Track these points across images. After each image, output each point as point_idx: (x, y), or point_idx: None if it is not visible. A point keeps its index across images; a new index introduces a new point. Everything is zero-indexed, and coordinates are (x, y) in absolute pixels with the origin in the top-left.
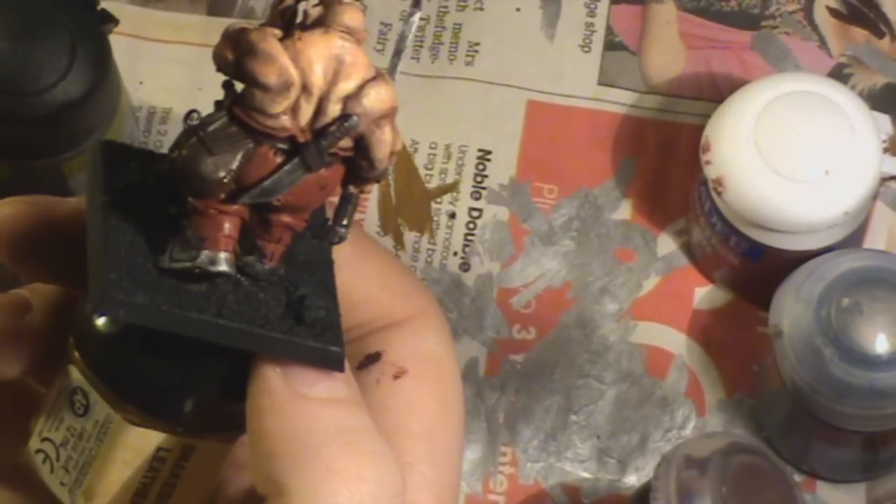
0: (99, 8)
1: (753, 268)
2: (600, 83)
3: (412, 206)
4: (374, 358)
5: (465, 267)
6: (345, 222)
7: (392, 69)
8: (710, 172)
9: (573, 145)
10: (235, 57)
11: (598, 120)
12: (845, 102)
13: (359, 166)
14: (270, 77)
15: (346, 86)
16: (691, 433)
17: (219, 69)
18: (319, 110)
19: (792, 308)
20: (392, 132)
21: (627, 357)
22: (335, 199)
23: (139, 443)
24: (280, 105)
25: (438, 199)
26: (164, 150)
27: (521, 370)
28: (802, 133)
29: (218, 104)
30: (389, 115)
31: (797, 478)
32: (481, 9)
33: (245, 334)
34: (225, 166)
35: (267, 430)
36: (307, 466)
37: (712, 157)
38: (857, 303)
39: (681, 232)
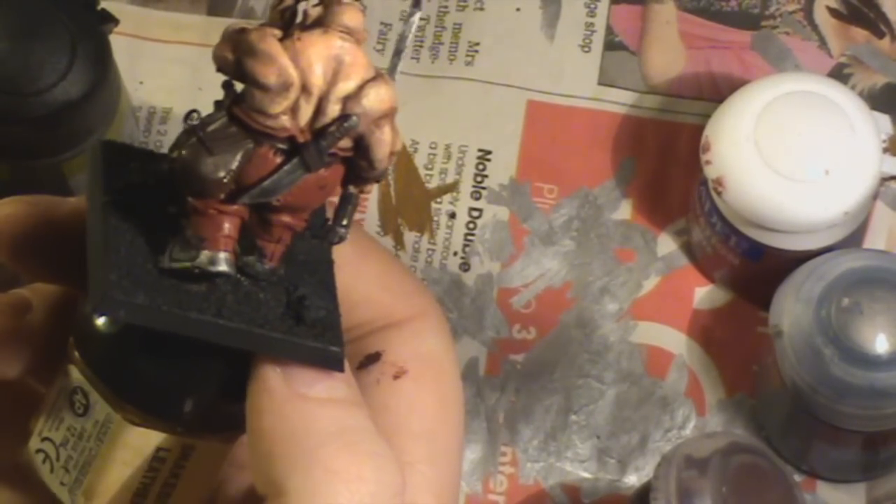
0: (99, 8)
1: (753, 268)
2: (600, 83)
3: (412, 206)
4: (374, 358)
5: (465, 267)
6: (345, 222)
7: (392, 69)
8: (710, 172)
9: (573, 145)
10: (235, 57)
11: (598, 120)
12: (845, 102)
13: (358, 166)
14: (270, 77)
15: (346, 86)
16: (691, 433)
17: (219, 69)
18: (319, 110)
19: (792, 308)
20: (392, 132)
21: (627, 357)
22: (335, 200)
23: (139, 443)
24: (280, 105)
25: (438, 199)
26: (165, 150)
27: (521, 370)
28: (802, 133)
29: (218, 104)
30: (389, 115)
31: (797, 478)
32: (481, 9)
33: (245, 334)
34: (225, 166)
35: (266, 430)
36: (306, 467)
37: (712, 157)
38: (857, 303)
39: (681, 232)
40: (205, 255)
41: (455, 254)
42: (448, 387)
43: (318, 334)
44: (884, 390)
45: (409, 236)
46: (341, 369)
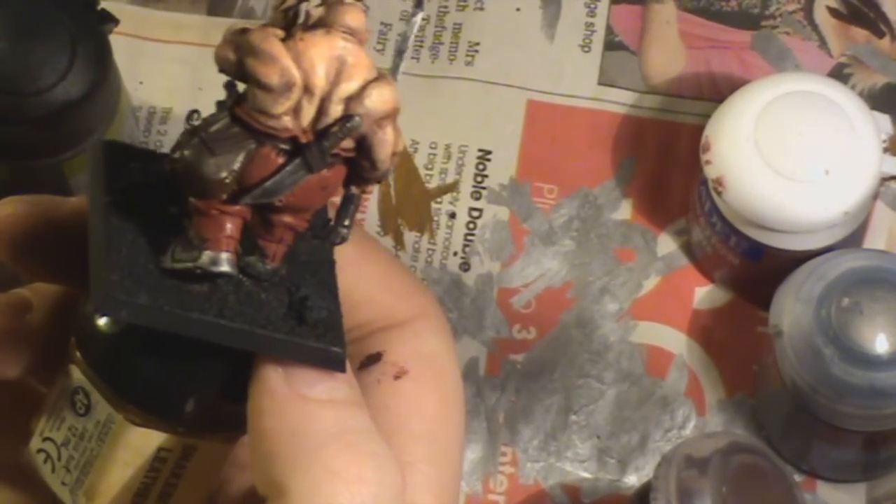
0: (99, 8)
1: (753, 268)
2: (600, 83)
3: (412, 206)
4: (374, 358)
5: (466, 267)
6: (347, 223)
7: (394, 69)
8: (710, 172)
9: (573, 145)
10: (237, 57)
11: (598, 120)
12: (845, 102)
13: (361, 167)
14: (272, 78)
15: (349, 86)
16: (691, 433)
17: (221, 70)
18: (321, 111)
19: (792, 308)
20: (394, 133)
21: (627, 357)
22: (336, 200)
23: (140, 443)
24: (282, 106)
25: (438, 199)
26: (165, 149)
27: (521, 370)
28: (802, 133)
29: (220, 105)
30: (391, 115)
31: (797, 477)
32: (481, 9)
33: (247, 335)
34: (227, 167)
35: (267, 430)
36: (307, 467)
37: (712, 157)
38: (857, 303)
39: (681, 232)
40: (207, 255)
41: (455, 254)
42: (449, 387)
43: (319, 335)
44: (884, 390)
45: (409, 236)
46: (343, 370)
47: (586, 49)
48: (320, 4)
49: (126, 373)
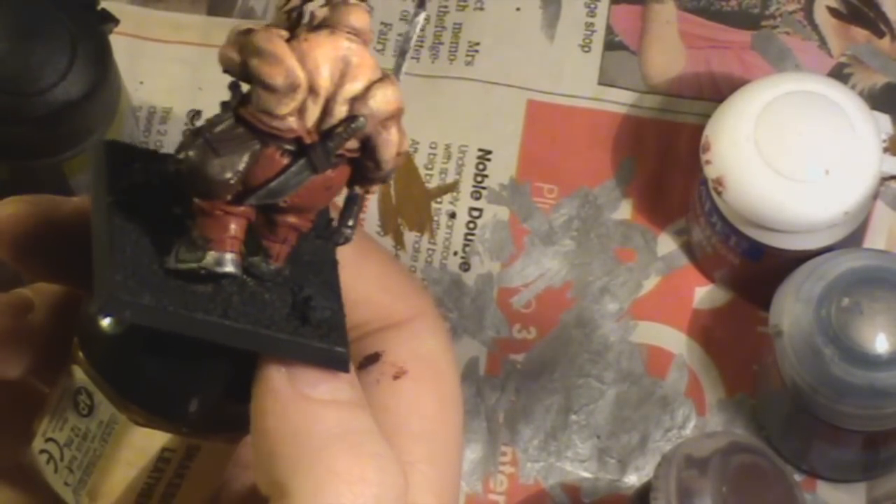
0: (99, 8)
1: (753, 267)
2: (600, 83)
3: (412, 206)
4: (373, 358)
5: (466, 267)
6: (350, 223)
7: (397, 70)
8: (710, 172)
9: (573, 145)
10: (242, 58)
11: (598, 120)
12: (845, 102)
13: (365, 167)
14: (277, 78)
15: (353, 87)
16: (691, 433)
17: (225, 70)
18: (326, 111)
19: (792, 308)
20: (398, 133)
21: (627, 357)
22: (338, 200)
23: (144, 443)
24: (287, 106)
25: (438, 199)
26: (165, 149)
27: (521, 370)
28: (802, 133)
29: (224, 105)
30: (396, 116)
31: (797, 477)
32: (481, 9)
33: (251, 335)
34: (231, 168)
35: (270, 430)
36: (309, 468)
37: (712, 157)
38: (857, 302)
39: (681, 232)
40: (211, 256)
41: (455, 254)
42: (447, 387)
43: (323, 335)
44: (884, 390)
45: (409, 236)
46: (347, 370)
47: (586, 49)
48: (324, 5)
49: (129, 373)
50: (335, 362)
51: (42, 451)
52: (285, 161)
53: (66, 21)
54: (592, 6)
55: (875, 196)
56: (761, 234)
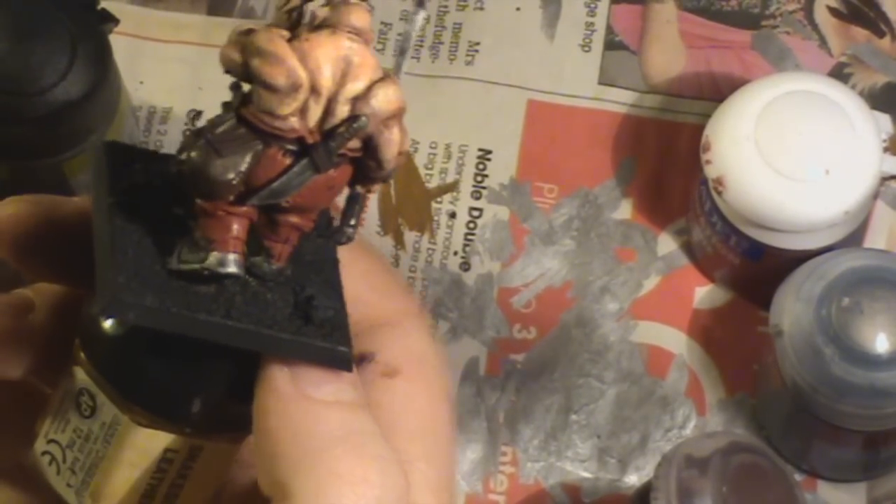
0: (99, 8)
1: (754, 267)
2: (600, 83)
3: (412, 206)
4: (366, 358)
5: (466, 266)
6: (352, 222)
7: (397, 69)
8: (711, 172)
9: (573, 145)
10: (243, 58)
11: (598, 119)
12: (846, 102)
13: (367, 166)
14: (279, 78)
15: (355, 86)
16: (692, 433)
17: (226, 71)
18: (328, 111)
19: (792, 307)
20: (400, 132)
21: (628, 356)
22: (338, 199)
23: (146, 444)
24: (289, 106)
25: (438, 199)
26: (165, 149)
27: (521, 370)
28: (803, 132)
29: (226, 106)
30: (397, 115)
31: (798, 477)
32: (481, 8)
33: (254, 335)
34: (234, 168)
35: (272, 430)
36: (311, 469)
37: (712, 157)
38: (858, 302)
39: (681, 231)
40: (213, 256)
41: (455, 253)
42: (439, 385)
43: (326, 334)
44: (884, 390)
45: (410, 236)
46: (350, 369)
47: (586, 49)
48: (325, 4)
49: (132, 374)
50: (338, 362)
51: (44, 453)
52: (287, 161)
53: (66, 21)
54: (592, 6)
55: (875, 196)
56: (761, 234)
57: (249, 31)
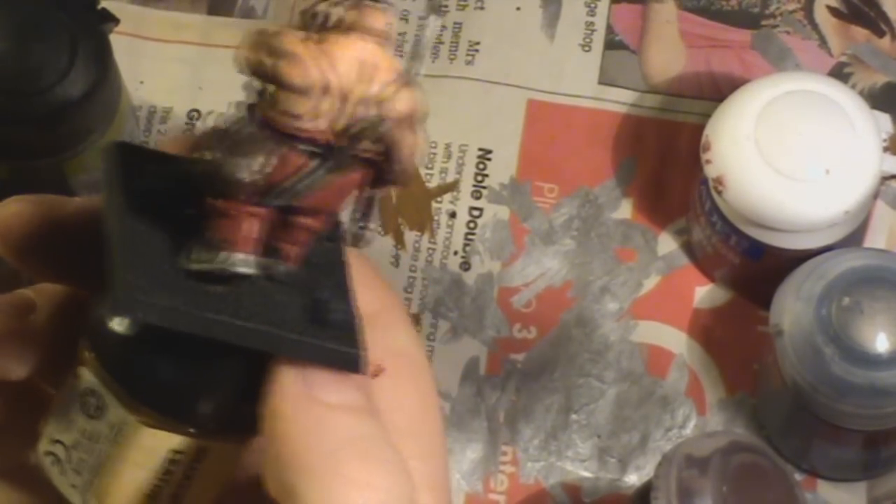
0: (99, 7)
1: (754, 267)
2: (601, 82)
3: (412, 206)
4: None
5: (466, 266)
6: (367, 225)
7: (412, 73)
8: (711, 171)
9: (573, 144)
10: (263, 59)
11: (598, 119)
12: (846, 101)
13: (383, 169)
14: (299, 79)
15: (374, 88)
16: (692, 432)
17: (245, 72)
18: (347, 113)
19: (792, 307)
20: (417, 135)
21: (628, 356)
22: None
23: (153, 445)
24: (307, 107)
25: (439, 199)
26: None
27: (521, 369)
28: (803, 132)
29: (242, 106)
30: (416, 118)
31: (798, 477)
32: (482, 8)
33: (266, 336)
34: (251, 168)
35: (281, 433)
36: (320, 473)
37: (713, 157)
38: (858, 302)
39: (681, 231)
40: (228, 256)
41: (455, 253)
42: (424, 381)
43: (337, 336)
44: (884, 389)
45: (410, 236)
46: (363, 371)
47: (587, 48)
48: (345, 6)
49: (141, 374)
50: (350, 364)
51: (48, 453)
52: (305, 162)
53: (66, 21)
54: (593, 5)
55: (875, 195)
56: (762, 234)
57: (269, 32)
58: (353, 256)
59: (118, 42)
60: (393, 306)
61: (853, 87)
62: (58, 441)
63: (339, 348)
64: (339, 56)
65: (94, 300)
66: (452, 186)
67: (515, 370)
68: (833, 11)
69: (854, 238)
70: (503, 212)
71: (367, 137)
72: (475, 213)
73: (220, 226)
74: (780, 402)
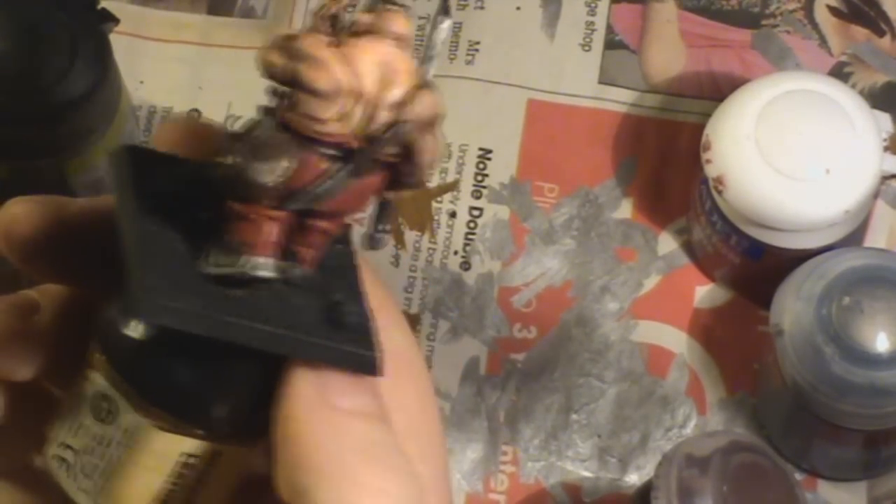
0: (99, 7)
1: (754, 266)
2: (601, 82)
3: (412, 206)
4: None
5: (466, 266)
6: (385, 228)
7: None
8: (711, 171)
9: (574, 144)
10: (286, 63)
11: (598, 119)
12: (846, 101)
13: (401, 172)
14: (322, 83)
15: (396, 92)
16: (692, 432)
17: (268, 76)
18: (370, 117)
19: (792, 306)
20: (437, 139)
21: (628, 356)
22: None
23: (166, 449)
24: (330, 111)
25: (439, 199)
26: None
27: (521, 369)
28: (803, 132)
29: (264, 110)
30: (436, 121)
31: (798, 476)
32: (482, 8)
33: (286, 340)
34: (274, 172)
35: (295, 437)
36: (333, 477)
37: (713, 156)
38: (858, 301)
39: (681, 231)
40: (248, 260)
41: (456, 253)
42: (421, 381)
43: (353, 339)
44: (884, 389)
45: (410, 235)
46: (381, 373)
47: (587, 48)
48: (365, 11)
49: (156, 377)
50: (367, 367)
51: (56, 458)
52: (327, 166)
53: (66, 21)
54: (593, 5)
55: (875, 195)
56: (762, 233)
57: (292, 37)
58: None
59: (118, 42)
60: (389, 307)
61: (853, 86)
62: (67, 445)
63: (357, 351)
64: (361, 59)
65: (105, 303)
66: (452, 186)
67: (515, 370)
68: (833, 11)
69: (854, 238)
70: (503, 211)
71: (393, 141)
72: (475, 212)
73: (240, 229)
74: (781, 401)
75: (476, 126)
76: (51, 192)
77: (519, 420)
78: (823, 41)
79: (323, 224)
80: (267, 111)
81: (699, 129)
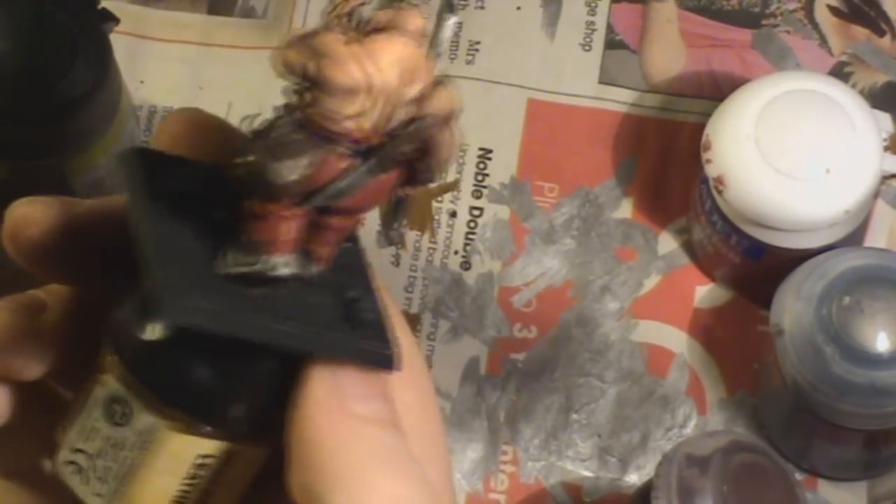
0: (99, 7)
1: (754, 266)
2: (601, 82)
3: (412, 206)
4: None
5: (466, 266)
6: (401, 225)
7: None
8: (711, 171)
9: (574, 144)
10: (305, 62)
11: (598, 118)
12: (846, 101)
13: (417, 169)
14: (342, 81)
15: (415, 89)
16: (692, 432)
17: (286, 74)
18: (388, 114)
19: (793, 306)
20: (454, 134)
21: (628, 356)
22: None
23: (182, 450)
24: (351, 108)
25: (439, 198)
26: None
27: (522, 369)
28: (803, 131)
29: (282, 108)
30: (453, 118)
31: (798, 476)
32: (482, 7)
33: (307, 338)
34: (294, 171)
35: (309, 440)
36: (348, 482)
37: (713, 156)
38: (858, 301)
39: (681, 230)
40: (268, 259)
41: (456, 253)
42: (422, 380)
43: (371, 336)
44: (885, 389)
45: (410, 235)
46: (399, 369)
47: (587, 48)
48: (381, 8)
49: (173, 378)
50: (385, 363)
51: (69, 463)
52: (346, 164)
53: (67, 21)
54: (593, 5)
55: (876, 195)
56: (762, 233)
57: (310, 35)
58: None
59: (118, 42)
60: (389, 307)
61: (853, 86)
62: (79, 450)
63: (375, 348)
64: (382, 57)
65: (116, 305)
66: (453, 186)
67: (516, 370)
68: (833, 11)
69: (854, 237)
70: (503, 211)
71: (413, 138)
72: (475, 212)
73: (259, 228)
74: (781, 401)
75: (476, 126)
76: (51, 192)
77: (519, 420)
78: (824, 41)
79: (339, 221)
80: (285, 110)
81: (699, 128)
